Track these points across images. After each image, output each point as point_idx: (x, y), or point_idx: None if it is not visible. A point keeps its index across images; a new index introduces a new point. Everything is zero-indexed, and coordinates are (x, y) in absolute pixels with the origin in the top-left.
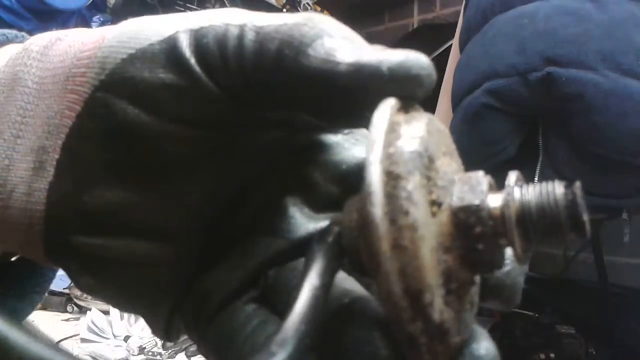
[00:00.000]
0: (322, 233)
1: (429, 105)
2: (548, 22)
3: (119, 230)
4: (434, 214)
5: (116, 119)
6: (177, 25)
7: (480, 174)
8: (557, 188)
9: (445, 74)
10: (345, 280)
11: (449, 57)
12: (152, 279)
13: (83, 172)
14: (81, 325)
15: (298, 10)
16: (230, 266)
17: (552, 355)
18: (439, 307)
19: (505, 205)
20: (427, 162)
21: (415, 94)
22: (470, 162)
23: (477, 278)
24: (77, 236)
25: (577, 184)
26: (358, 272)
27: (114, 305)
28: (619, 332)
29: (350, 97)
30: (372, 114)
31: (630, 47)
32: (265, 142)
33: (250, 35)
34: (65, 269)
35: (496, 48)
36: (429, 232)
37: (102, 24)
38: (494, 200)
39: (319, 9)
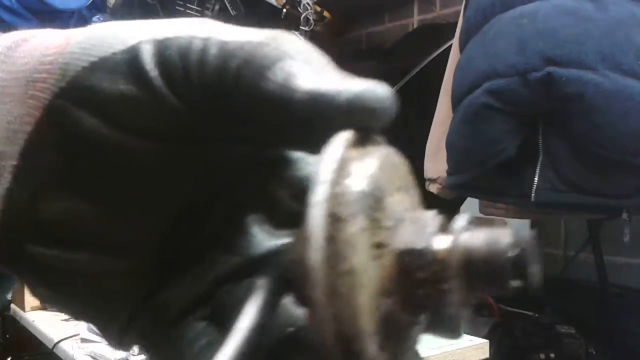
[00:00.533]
0: (267, 262)
1: (429, 105)
2: (548, 22)
3: (75, 242)
4: (377, 257)
5: (74, 128)
6: (142, 35)
7: (430, 214)
8: (505, 237)
9: (445, 74)
10: (293, 308)
11: (449, 57)
12: (107, 291)
13: (39, 181)
14: (81, 325)
15: (298, 10)
16: (186, 281)
17: (552, 355)
18: (371, 353)
19: (450, 251)
20: (373, 202)
21: (370, 128)
22: (470, 162)
23: (421, 318)
24: (32, 245)
25: (531, 234)
26: (302, 305)
27: (69, 315)
28: (619, 332)
29: (307, 125)
30: (324, 149)
31: (630, 47)
32: (229, 156)
33: (213, 50)
34: (20, 277)
35: (496, 48)
36: (367, 277)
37: None
38: (441, 244)
39: (319, 9)
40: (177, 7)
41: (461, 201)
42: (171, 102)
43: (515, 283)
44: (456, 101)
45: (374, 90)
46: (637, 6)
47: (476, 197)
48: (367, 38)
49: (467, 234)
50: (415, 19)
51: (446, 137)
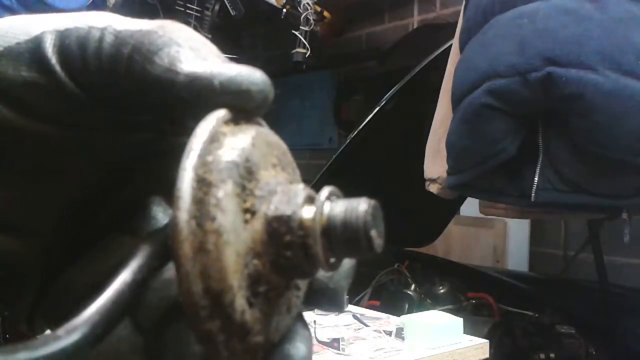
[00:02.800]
0: (153, 232)
1: (429, 105)
2: (548, 22)
3: None
4: (246, 221)
5: None
6: (45, 26)
7: (300, 186)
8: (362, 205)
9: (445, 74)
10: None
11: (449, 57)
12: (11, 272)
13: None
14: None
15: (298, 10)
16: (89, 264)
17: (552, 355)
18: (240, 307)
19: (314, 218)
20: (244, 172)
21: (246, 107)
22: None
23: (301, 285)
24: None
25: (371, 202)
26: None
27: None
28: (619, 332)
29: (188, 106)
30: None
31: (630, 47)
32: (131, 143)
33: (109, 39)
34: None
35: (496, 48)
36: (235, 237)
37: None
38: (307, 213)
39: (319, 9)
40: (177, 7)
41: (461, 201)
42: (70, 89)
43: (366, 247)
44: (456, 101)
45: (247, 74)
46: (637, 6)
47: (476, 197)
48: (367, 38)
49: (329, 203)
50: (415, 19)
51: (446, 137)
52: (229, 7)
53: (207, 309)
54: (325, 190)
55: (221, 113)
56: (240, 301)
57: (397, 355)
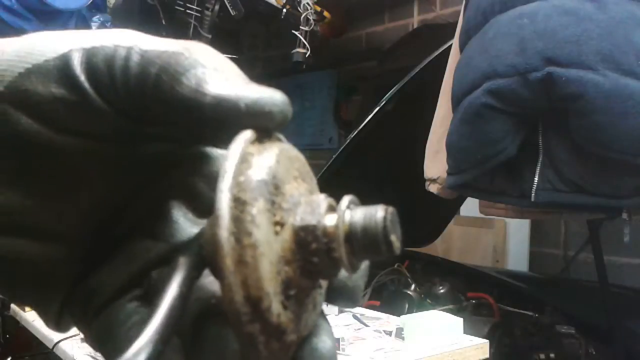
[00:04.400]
0: (188, 244)
1: (429, 105)
2: (548, 22)
3: (9, 230)
4: (277, 233)
5: (12, 128)
6: (72, 44)
7: (322, 197)
8: (379, 212)
9: (445, 74)
10: (215, 283)
11: (449, 57)
12: (41, 276)
13: None
14: None
15: (298, 10)
16: (116, 267)
17: (552, 355)
18: (276, 311)
19: (336, 226)
20: (272, 188)
21: (268, 127)
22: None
23: (322, 284)
24: None
25: (390, 209)
26: (217, 277)
27: (7, 299)
28: (619, 332)
29: (215, 126)
30: (229, 145)
31: (630, 47)
32: (154, 153)
33: (135, 58)
34: None
35: (496, 48)
36: (269, 249)
37: (102, 24)
38: (330, 221)
39: (319, 9)
40: (177, 7)
41: (461, 201)
42: (98, 105)
43: (386, 250)
44: (456, 101)
45: (270, 96)
46: (637, 6)
47: (476, 197)
48: (367, 38)
49: (349, 212)
50: (415, 19)
51: (446, 137)
52: (229, 7)
53: (248, 315)
54: (346, 200)
55: (248, 135)
56: (276, 305)
57: (397, 355)
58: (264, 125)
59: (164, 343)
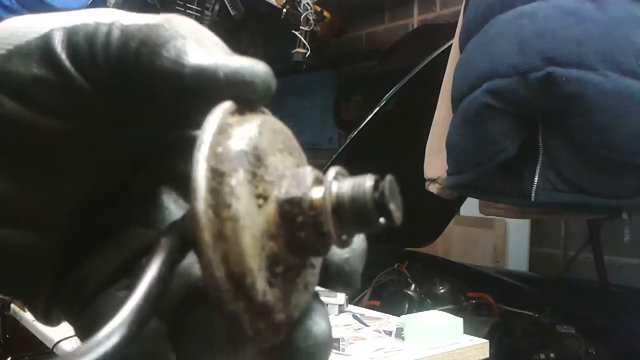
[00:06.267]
0: (171, 226)
1: (429, 105)
2: (548, 22)
3: None
4: (259, 206)
5: None
6: (53, 23)
7: (308, 169)
8: (367, 181)
9: (445, 74)
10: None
11: (449, 57)
12: (27, 266)
13: None
14: None
15: (298, 10)
16: (105, 255)
17: (552, 355)
18: (261, 288)
19: (323, 197)
20: (254, 159)
21: (250, 98)
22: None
23: (315, 264)
24: None
25: (388, 177)
26: (197, 255)
27: None
28: (619, 332)
29: (194, 98)
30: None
31: (630, 47)
32: (141, 136)
33: (116, 33)
34: None
35: (496, 48)
36: (251, 222)
37: None
38: (316, 193)
39: (319, 9)
40: (177, 7)
41: (461, 201)
42: (80, 84)
43: (381, 220)
44: (456, 101)
45: (250, 65)
46: (637, 6)
47: (476, 197)
48: (367, 38)
49: (336, 183)
50: (415, 19)
51: (446, 137)
52: (229, 7)
53: (230, 292)
54: (332, 171)
55: (227, 105)
56: (260, 282)
57: (397, 355)
58: (246, 97)
59: (141, 325)
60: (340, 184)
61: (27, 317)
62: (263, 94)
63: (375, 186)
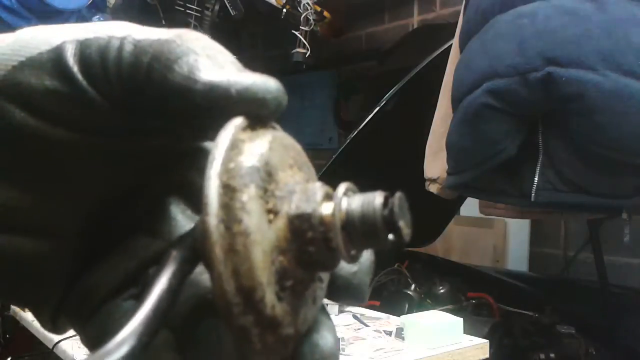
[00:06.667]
0: (180, 238)
1: (429, 105)
2: (548, 22)
3: (3, 228)
4: (270, 221)
5: (6, 122)
6: (66, 36)
7: (318, 185)
8: (377, 198)
9: (445, 74)
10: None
11: (449, 57)
12: (36, 275)
13: None
14: None
15: (298, 10)
16: (112, 265)
17: (552, 355)
18: (270, 302)
19: (333, 213)
20: (265, 175)
21: (261, 114)
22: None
23: (323, 278)
24: None
25: (398, 194)
26: (207, 269)
27: (3, 299)
28: (619, 332)
29: (206, 113)
30: (219, 133)
31: (630, 47)
32: (151, 148)
33: (128, 48)
34: None
35: (496, 48)
36: (262, 237)
37: None
38: (326, 209)
39: (319, 9)
40: (177, 7)
41: (461, 201)
42: (91, 96)
43: (390, 237)
44: (456, 101)
45: (263, 82)
46: (637, 6)
47: (476, 197)
48: (367, 38)
49: (346, 199)
50: (415, 19)
51: (446, 137)
52: (229, 7)
53: (240, 306)
54: (342, 187)
55: (238, 121)
56: (270, 296)
57: (397, 355)
58: (257, 113)
59: (150, 335)
60: (350, 200)
61: (27, 317)
62: (274, 109)
63: (385, 203)
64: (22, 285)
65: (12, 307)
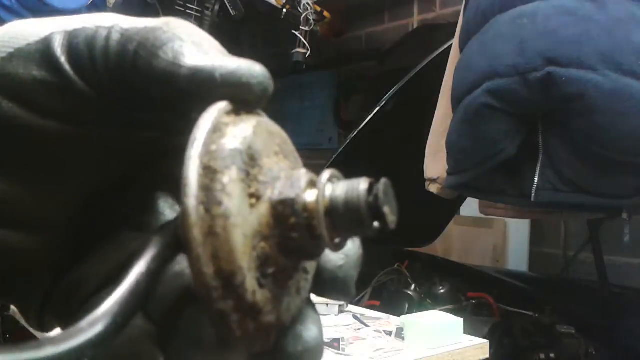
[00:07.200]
0: (164, 225)
1: (429, 105)
2: (548, 22)
3: None
4: (252, 205)
5: None
6: (54, 27)
7: (302, 171)
8: (362, 184)
9: (445, 74)
10: None
11: (449, 57)
12: (22, 269)
13: None
14: None
15: (298, 10)
16: (99, 259)
17: (552, 355)
18: (251, 287)
19: (316, 200)
20: (247, 159)
21: (246, 99)
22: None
23: (309, 269)
24: None
25: (382, 180)
26: (186, 254)
27: None
28: (619, 332)
29: (191, 99)
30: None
31: (630, 47)
32: (140, 141)
33: (115, 37)
34: None
35: (496, 48)
36: (243, 220)
37: None
38: (310, 195)
39: (319, 9)
40: (177, 7)
41: (461, 201)
42: (79, 86)
43: (374, 224)
44: (456, 101)
45: (247, 67)
46: (637, 6)
47: (476, 197)
48: (367, 38)
49: (330, 185)
50: (415, 19)
51: (446, 137)
52: (229, 7)
53: (219, 290)
54: (327, 173)
55: (222, 104)
56: (250, 282)
57: (397, 355)
58: (242, 98)
59: (126, 317)
60: (334, 187)
61: None
62: (260, 95)
63: (370, 189)
64: (9, 279)
65: (12, 307)
